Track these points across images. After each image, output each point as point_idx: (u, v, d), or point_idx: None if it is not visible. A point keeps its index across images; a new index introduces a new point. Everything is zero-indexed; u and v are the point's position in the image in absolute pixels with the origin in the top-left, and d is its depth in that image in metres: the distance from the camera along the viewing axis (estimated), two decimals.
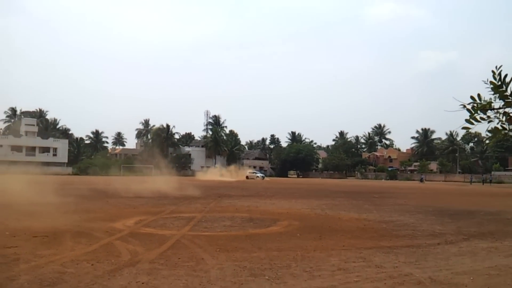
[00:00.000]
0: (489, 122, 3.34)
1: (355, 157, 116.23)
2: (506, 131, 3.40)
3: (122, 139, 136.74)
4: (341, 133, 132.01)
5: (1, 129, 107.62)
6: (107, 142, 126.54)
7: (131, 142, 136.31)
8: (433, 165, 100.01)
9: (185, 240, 10.07)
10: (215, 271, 7.17)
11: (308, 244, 9.91)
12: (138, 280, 6.52)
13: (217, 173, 76.44)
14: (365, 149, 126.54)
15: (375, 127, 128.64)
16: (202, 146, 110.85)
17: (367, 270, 7.41)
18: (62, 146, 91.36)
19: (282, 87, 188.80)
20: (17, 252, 8.36)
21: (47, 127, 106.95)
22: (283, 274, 7.07)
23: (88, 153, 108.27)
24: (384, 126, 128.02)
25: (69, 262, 7.62)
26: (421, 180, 76.98)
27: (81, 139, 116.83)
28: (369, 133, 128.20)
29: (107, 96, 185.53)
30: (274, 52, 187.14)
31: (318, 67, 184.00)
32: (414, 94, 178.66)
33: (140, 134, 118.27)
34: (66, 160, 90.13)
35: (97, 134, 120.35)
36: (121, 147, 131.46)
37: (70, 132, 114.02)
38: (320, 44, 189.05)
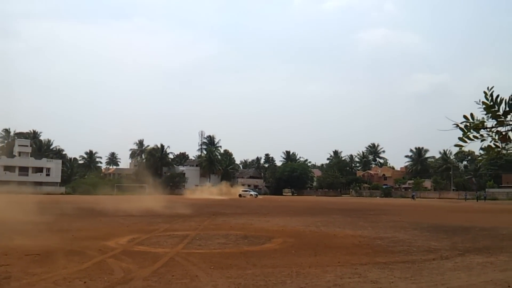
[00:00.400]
0: (482, 140, 3.39)
1: (349, 175, 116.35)
2: (499, 149, 3.45)
3: (116, 159, 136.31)
4: (336, 152, 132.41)
5: None
6: (100, 162, 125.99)
7: (125, 162, 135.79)
8: (427, 183, 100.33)
9: (179, 257, 9.97)
10: None
11: (303, 260, 9.85)
12: None
13: (206, 191, 76.19)
14: (359, 168, 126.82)
15: (369, 146, 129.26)
16: (197, 166, 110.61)
17: (363, 286, 7.37)
18: (55, 166, 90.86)
19: (277, 108, 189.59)
20: (8, 270, 8.24)
21: (40, 147, 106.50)
22: None
23: (81, 173, 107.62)
24: (378, 145, 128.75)
25: (62, 280, 7.52)
26: (413, 197, 77.36)
27: (75, 159, 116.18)
28: (363, 152, 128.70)
29: (101, 118, 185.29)
30: (269, 75, 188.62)
31: (313, 87, 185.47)
32: (407, 114, 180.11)
33: (134, 154, 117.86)
34: (59, 180, 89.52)
35: (90, 154, 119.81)
36: (114, 167, 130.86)
37: (64, 152, 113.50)
38: (314, 67, 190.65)
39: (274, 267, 8.97)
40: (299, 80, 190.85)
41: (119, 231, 15.61)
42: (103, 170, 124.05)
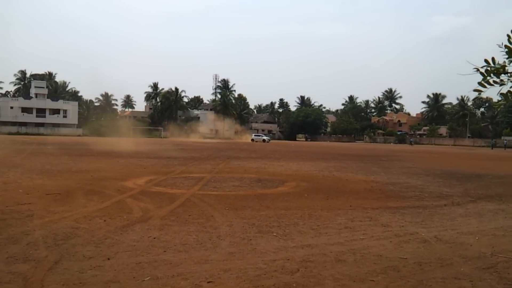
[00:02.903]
0: (501, 85, 3.32)
1: (364, 121, 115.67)
2: None
3: (131, 101, 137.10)
4: (351, 98, 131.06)
5: (11, 91, 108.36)
6: (116, 105, 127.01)
7: (140, 105, 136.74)
8: (443, 130, 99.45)
9: (195, 198, 10.26)
10: (224, 227, 7.33)
11: (315, 204, 10.05)
12: (149, 235, 6.70)
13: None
14: (374, 114, 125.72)
15: (386, 91, 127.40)
16: (211, 110, 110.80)
17: (373, 229, 7.54)
18: (72, 108, 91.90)
19: (292, 51, 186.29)
20: (31, 208, 8.58)
21: (56, 89, 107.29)
22: (290, 231, 7.22)
23: (98, 115, 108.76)
24: (395, 90, 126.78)
25: (82, 218, 7.82)
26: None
27: (91, 101, 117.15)
28: (379, 98, 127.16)
29: (117, 60, 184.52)
30: (285, 16, 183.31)
31: (329, 31, 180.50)
32: (426, 59, 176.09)
33: (149, 97, 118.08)
34: (76, 122, 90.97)
35: (106, 97, 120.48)
36: (130, 110, 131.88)
37: (80, 94, 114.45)
38: (332, 8, 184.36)
39: (287, 209, 9.19)
40: (316, 22, 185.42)
41: (137, 172, 16.00)
42: (119, 113, 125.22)
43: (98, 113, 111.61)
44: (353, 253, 5.98)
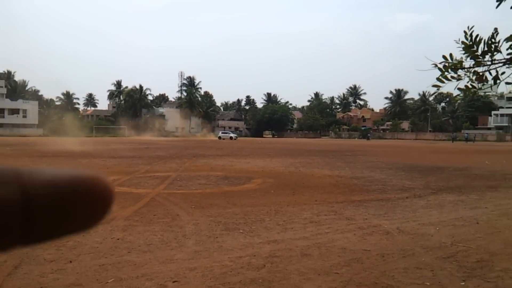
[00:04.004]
0: (458, 80, 3.41)
1: (329, 117, 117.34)
2: (476, 90, 3.48)
3: (94, 100, 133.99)
4: (316, 94, 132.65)
5: None
6: (78, 104, 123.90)
7: (103, 104, 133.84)
8: (405, 124, 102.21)
9: (160, 198, 10.12)
10: (190, 226, 7.27)
11: (281, 199, 10.11)
12: (113, 236, 6.56)
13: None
14: (339, 110, 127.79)
15: (350, 88, 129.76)
16: (177, 107, 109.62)
17: (338, 222, 7.66)
18: (32, 107, 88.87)
19: (258, 48, 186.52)
20: None
21: (15, 89, 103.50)
22: (257, 227, 7.23)
23: (59, 115, 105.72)
24: (359, 87, 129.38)
25: None
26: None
27: (52, 100, 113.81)
28: (343, 94, 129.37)
29: (79, 58, 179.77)
30: (249, 14, 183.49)
31: (294, 28, 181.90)
32: (389, 56, 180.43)
33: (112, 95, 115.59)
34: (36, 122, 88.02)
35: (68, 96, 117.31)
36: (92, 108, 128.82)
37: (40, 93, 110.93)
38: (296, 6, 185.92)
39: (253, 206, 9.20)
40: (281, 19, 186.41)
41: (99, 173, 15.60)
42: (80, 112, 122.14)
43: (59, 112, 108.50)
44: (318, 247, 6.05)
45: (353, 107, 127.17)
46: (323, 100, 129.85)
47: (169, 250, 5.88)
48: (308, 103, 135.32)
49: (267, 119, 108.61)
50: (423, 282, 4.70)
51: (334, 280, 4.76)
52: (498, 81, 3.39)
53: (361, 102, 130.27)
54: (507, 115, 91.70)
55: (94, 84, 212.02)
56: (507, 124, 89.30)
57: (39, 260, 5.39)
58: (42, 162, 20.53)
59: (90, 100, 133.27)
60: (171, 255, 5.65)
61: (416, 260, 5.51)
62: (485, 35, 3.26)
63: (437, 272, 5.04)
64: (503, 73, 3.34)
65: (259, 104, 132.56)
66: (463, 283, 4.67)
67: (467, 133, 78.20)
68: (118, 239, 6.38)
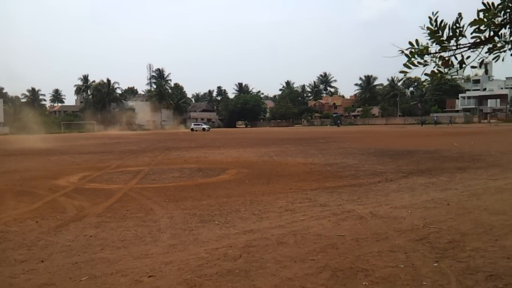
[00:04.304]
0: (425, 66, 3.44)
1: (301, 105, 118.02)
2: (442, 74, 3.53)
3: (60, 96, 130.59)
4: (288, 83, 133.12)
5: None
6: (44, 100, 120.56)
7: (70, 99, 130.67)
8: (375, 110, 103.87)
9: (133, 193, 9.96)
10: (164, 220, 7.18)
11: (256, 189, 10.12)
12: (85, 233, 6.42)
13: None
14: (311, 98, 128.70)
15: (321, 75, 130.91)
16: (147, 100, 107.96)
17: (313, 209, 7.72)
18: None
19: (228, 38, 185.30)
20: None
21: None
22: (232, 218, 7.21)
23: (25, 112, 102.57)
24: (329, 74, 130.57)
25: (12, 221, 7.36)
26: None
27: (17, 97, 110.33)
28: (314, 82, 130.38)
29: (43, 54, 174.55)
30: (217, 5, 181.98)
31: (263, 19, 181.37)
32: (357, 43, 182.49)
33: (79, 90, 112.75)
34: (2, 120, 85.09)
35: (33, 92, 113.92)
36: (59, 104, 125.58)
37: (4, 91, 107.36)
38: None
39: (228, 197, 9.18)
40: (248, 10, 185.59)
41: (69, 170, 15.28)
42: (47, 108, 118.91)
43: (25, 109, 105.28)
44: (294, 235, 6.08)
45: (324, 95, 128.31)
46: (295, 89, 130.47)
47: (144, 245, 5.80)
48: (280, 92, 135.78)
49: (240, 109, 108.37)
50: (397, 264, 4.79)
51: (310, 267, 4.79)
52: (463, 65, 3.44)
53: (332, 90, 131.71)
54: (474, 97, 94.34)
55: (60, 80, 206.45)
56: (474, 106, 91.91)
57: (9, 261, 5.24)
58: (9, 161, 19.90)
59: (57, 96, 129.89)
60: (146, 250, 5.57)
61: (390, 243, 5.61)
62: (450, 20, 3.30)
63: (410, 254, 5.15)
64: (468, 57, 3.40)
65: (231, 94, 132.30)
66: (436, 264, 4.78)
67: (436, 117, 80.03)
68: (90, 236, 6.25)
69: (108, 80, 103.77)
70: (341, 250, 5.38)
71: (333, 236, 5.97)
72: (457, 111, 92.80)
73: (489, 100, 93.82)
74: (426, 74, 3.58)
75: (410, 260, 4.94)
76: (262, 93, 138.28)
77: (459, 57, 3.42)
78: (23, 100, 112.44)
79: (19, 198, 9.64)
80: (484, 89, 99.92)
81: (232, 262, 5.00)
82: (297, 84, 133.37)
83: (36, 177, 13.34)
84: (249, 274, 4.63)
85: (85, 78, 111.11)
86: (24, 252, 5.57)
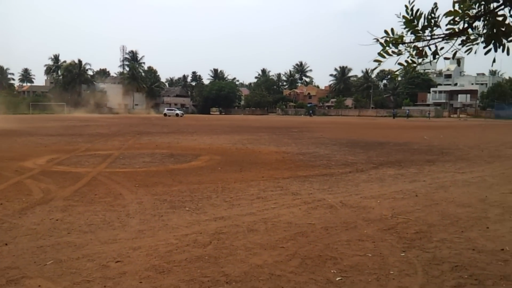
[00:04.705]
0: (399, 55, 3.44)
1: (276, 94, 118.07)
2: (415, 65, 3.53)
3: (30, 75, 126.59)
4: (263, 71, 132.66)
5: None
6: (13, 79, 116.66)
7: (40, 79, 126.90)
8: (349, 101, 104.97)
9: (102, 177, 9.77)
10: (134, 205, 7.07)
11: (228, 176, 10.08)
12: (51, 217, 6.26)
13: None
14: (286, 87, 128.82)
15: (297, 65, 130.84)
16: (119, 83, 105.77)
17: (284, 198, 7.74)
18: None
19: (204, 24, 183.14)
20: None
21: None
22: (203, 205, 7.16)
23: None
24: (305, 64, 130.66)
25: None
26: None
27: None
28: (290, 71, 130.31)
29: (12, 31, 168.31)
30: None
31: (240, 2, 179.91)
32: (333, 33, 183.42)
33: (49, 71, 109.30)
34: None
35: (1, 71, 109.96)
36: (29, 84, 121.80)
37: None
38: None
39: (200, 184, 9.11)
40: None
41: (37, 152, 14.85)
42: (16, 88, 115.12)
43: None
44: (265, 222, 6.09)
45: (299, 84, 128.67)
46: (270, 77, 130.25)
47: (112, 230, 5.69)
48: (255, 80, 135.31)
49: (214, 95, 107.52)
50: (365, 253, 4.86)
51: (280, 254, 4.80)
52: (437, 56, 3.45)
53: (307, 79, 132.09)
54: (445, 91, 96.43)
55: (30, 59, 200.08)
56: (444, 101, 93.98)
57: None
58: None
59: (26, 75, 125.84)
60: (113, 235, 5.47)
61: (358, 232, 5.68)
62: (426, 10, 3.30)
63: (378, 243, 5.23)
64: (441, 48, 3.41)
65: (206, 80, 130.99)
66: (403, 254, 4.87)
67: (408, 110, 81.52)
68: (57, 220, 6.10)
69: (80, 61, 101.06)
70: (310, 238, 5.41)
71: (303, 224, 6.00)
72: (428, 105, 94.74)
73: (459, 95, 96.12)
74: (399, 64, 3.58)
75: (378, 249, 5.01)
76: (238, 80, 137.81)
77: (433, 48, 3.43)
78: None
79: None
80: (455, 84, 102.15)
81: (201, 249, 4.96)
82: (273, 72, 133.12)
83: (2, 158, 12.91)
84: (219, 260, 4.60)
85: (56, 58, 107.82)
86: None
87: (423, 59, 3.48)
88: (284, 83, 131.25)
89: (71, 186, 8.64)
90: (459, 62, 3.90)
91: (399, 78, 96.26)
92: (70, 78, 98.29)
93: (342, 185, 9.13)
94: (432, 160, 13.57)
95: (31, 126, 33.16)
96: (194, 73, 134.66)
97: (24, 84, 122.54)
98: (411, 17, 3.30)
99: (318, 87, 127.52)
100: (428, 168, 11.79)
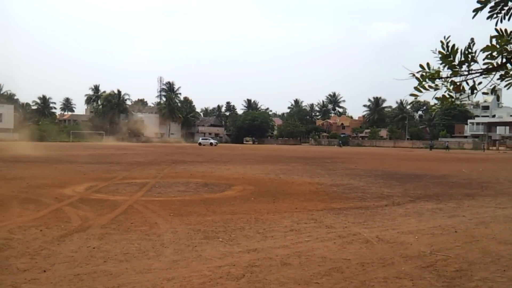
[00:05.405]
0: (435, 90, 3.42)
1: (309, 124, 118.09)
2: (453, 99, 3.49)
3: (71, 104, 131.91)
4: (296, 101, 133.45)
5: None
6: (55, 108, 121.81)
7: (80, 108, 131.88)
8: (383, 132, 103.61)
9: (138, 205, 9.94)
10: (168, 234, 7.14)
11: (261, 207, 10.05)
12: (89, 245, 6.39)
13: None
14: (319, 117, 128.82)
15: (330, 95, 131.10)
16: (156, 113, 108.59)
17: (318, 231, 7.63)
18: (7, 111, 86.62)
19: (238, 55, 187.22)
20: None
21: None
22: (236, 236, 7.15)
23: (35, 119, 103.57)
24: (338, 94, 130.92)
25: (17, 228, 7.35)
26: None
27: (28, 104, 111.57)
28: (323, 101, 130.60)
29: (55, 62, 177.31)
30: (228, 19, 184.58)
31: (274, 35, 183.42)
32: (367, 64, 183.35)
33: (90, 100, 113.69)
34: (12, 126, 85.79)
35: (44, 100, 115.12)
36: (69, 113, 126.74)
37: (16, 97, 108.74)
38: (274, 13, 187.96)
39: (233, 214, 9.12)
40: (261, 26, 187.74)
41: (76, 179, 15.32)
42: (57, 116, 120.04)
43: (35, 117, 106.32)
44: (298, 256, 6.00)
45: (332, 115, 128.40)
46: (303, 107, 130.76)
47: (147, 259, 5.75)
48: (288, 110, 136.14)
49: (248, 125, 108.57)
50: None
51: None
52: (475, 91, 3.41)
53: (340, 110, 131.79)
54: (482, 123, 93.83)
55: (71, 89, 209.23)
56: (482, 133, 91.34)
57: (11, 269, 5.21)
58: (17, 167, 20.00)
59: (67, 104, 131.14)
60: (148, 264, 5.52)
61: (396, 269, 5.52)
62: (462, 44, 3.28)
63: (416, 281, 5.05)
64: (480, 83, 3.37)
65: (240, 110, 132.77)
66: None
67: (447, 142, 79.66)
68: (94, 248, 6.22)
69: (119, 91, 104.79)
70: (346, 274, 5.29)
71: (338, 259, 5.88)
72: (466, 136, 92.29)
73: (498, 127, 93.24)
74: (437, 98, 3.55)
75: (416, 287, 4.84)
76: (271, 110, 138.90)
77: (470, 82, 3.39)
78: (33, 107, 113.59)
79: (25, 205, 9.65)
80: (493, 116, 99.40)
81: (235, 282, 4.93)
82: (305, 102, 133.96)
83: (43, 185, 13.38)
84: None
85: (96, 88, 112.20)
86: (27, 261, 5.54)
87: (460, 94, 3.45)
88: (317, 113, 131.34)
89: (108, 214, 8.82)
90: (498, 96, 3.84)
91: (436, 110, 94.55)
92: (109, 108, 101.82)
93: (378, 219, 8.92)
94: (471, 194, 13.12)
95: (71, 153, 34.32)
96: (228, 103, 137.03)
97: (65, 113, 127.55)
98: (447, 52, 3.29)
99: (351, 117, 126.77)
100: (467, 203, 11.39)
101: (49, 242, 6.50)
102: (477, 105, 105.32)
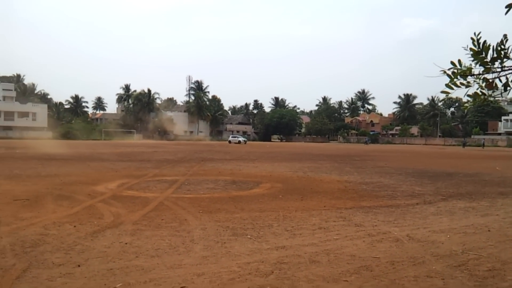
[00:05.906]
0: (467, 87, 3.36)
1: (337, 121, 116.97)
2: (485, 96, 3.43)
3: (103, 103, 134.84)
4: (324, 99, 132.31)
5: None
6: (87, 107, 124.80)
7: (112, 107, 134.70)
8: (414, 129, 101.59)
9: (168, 202, 10.12)
10: (198, 231, 7.25)
11: (290, 205, 10.06)
12: (121, 240, 6.56)
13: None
14: (348, 114, 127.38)
15: (358, 92, 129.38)
16: (185, 111, 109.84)
17: (347, 229, 7.59)
18: (41, 110, 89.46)
19: (266, 53, 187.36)
20: None
21: (25, 92, 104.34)
22: (265, 233, 7.19)
23: (68, 118, 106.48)
24: (367, 91, 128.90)
25: (51, 224, 7.60)
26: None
27: (61, 103, 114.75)
28: (352, 98, 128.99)
29: (88, 61, 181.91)
30: (257, 18, 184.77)
31: (302, 33, 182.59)
32: (397, 60, 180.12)
33: (120, 99, 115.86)
34: (46, 125, 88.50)
35: (77, 99, 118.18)
36: (101, 112, 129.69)
37: (49, 97, 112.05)
38: (304, 10, 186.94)
39: (261, 211, 9.17)
40: (288, 24, 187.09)
41: (108, 176, 15.70)
42: (89, 115, 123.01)
43: (68, 115, 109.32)
44: (327, 254, 6.00)
45: (361, 112, 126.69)
46: (331, 105, 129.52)
47: (177, 255, 5.86)
48: (316, 108, 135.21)
49: (275, 123, 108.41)
50: None
51: None
52: (508, 88, 3.33)
53: (370, 107, 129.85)
54: None
55: (103, 88, 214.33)
56: None
57: (47, 263, 5.40)
58: (51, 165, 20.65)
59: (99, 103, 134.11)
60: (179, 260, 5.63)
61: (427, 268, 5.44)
62: (494, 40, 3.21)
63: (448, 281, 4.97)
64: None
65: (267, 108, 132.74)
66: None
67: (483, 139, 77.50)
68: (126, 244, 6.38)
69: (149, 90, 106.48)
70: (375, 272, 5.25)
71: (367, 258, 5.84)
72: (499, 133, 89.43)
73: None
74: (469, 96, 3.48)
75: (447, 287, 4.77)
76: (298, 108, 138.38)
77: (503, 79, 3.31)
78: (66, 107, 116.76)
79: (59, 202, 9.97)
80: None
81: (263, 278, 4.98)
82: (334, 100, 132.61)
83: (76, 182, 13.78)
84: None
85: (127, 88, 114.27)
86: (62, 256, 5.73)
87: (493, 91, 3.37)
88: (346, 111, 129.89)
89: (139, 210, 9.02)
90: None
91: (468, 107, 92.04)
92: (140, 106, 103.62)
93: (408, 217, 8.80)
94: (505, 193, 12.75)
95: (103, 151, 35.15)
96: (256, 101, 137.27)
97: (97, 112, 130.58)
98: (479, 49, 3.23)
99: (381, 114, 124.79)
100: (501, 201, 11.09)
101: (82, 238, 6.70)
102: (511, 101, 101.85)
